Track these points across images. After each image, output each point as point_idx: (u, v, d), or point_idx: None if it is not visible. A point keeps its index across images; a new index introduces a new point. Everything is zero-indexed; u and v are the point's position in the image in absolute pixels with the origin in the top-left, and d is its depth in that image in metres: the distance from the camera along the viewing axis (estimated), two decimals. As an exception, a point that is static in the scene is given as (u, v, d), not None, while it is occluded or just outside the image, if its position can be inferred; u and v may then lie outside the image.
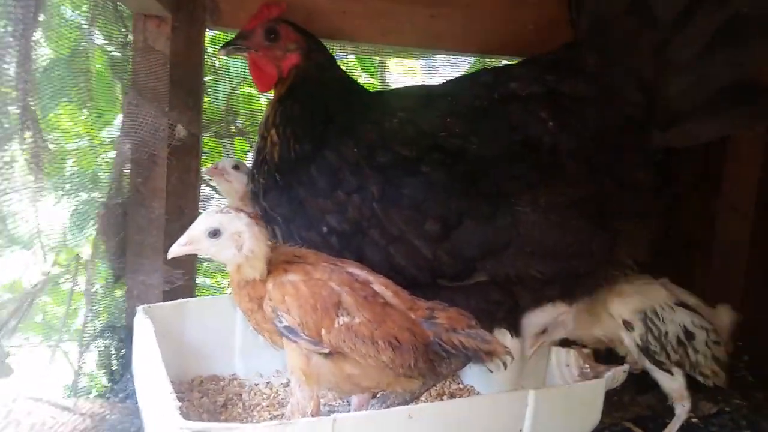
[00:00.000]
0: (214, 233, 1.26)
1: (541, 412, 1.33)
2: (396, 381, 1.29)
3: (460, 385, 1.74)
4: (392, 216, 1.49)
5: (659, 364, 1.56)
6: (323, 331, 1.23)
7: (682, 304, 1.60)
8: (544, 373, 1.61)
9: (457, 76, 1.90)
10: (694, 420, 1.68)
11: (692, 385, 1.59)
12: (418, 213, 1.49)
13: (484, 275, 1.52)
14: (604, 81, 1.59)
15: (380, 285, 1.32)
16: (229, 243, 1.26)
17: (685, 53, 1.54)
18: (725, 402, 1.78)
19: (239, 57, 1.88)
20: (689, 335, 1.56)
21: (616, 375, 1.44)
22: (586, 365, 1.59)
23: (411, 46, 2.14)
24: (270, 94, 1.75)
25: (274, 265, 1.30)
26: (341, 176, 1.52)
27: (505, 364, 1.27)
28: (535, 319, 1.51)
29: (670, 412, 1.62)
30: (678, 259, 2.11)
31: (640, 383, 1.68)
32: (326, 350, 1.24)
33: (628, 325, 1.56)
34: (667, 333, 1.53)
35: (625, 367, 1.46)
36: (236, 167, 1.90)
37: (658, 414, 1.70)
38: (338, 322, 1.24)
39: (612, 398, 1.47)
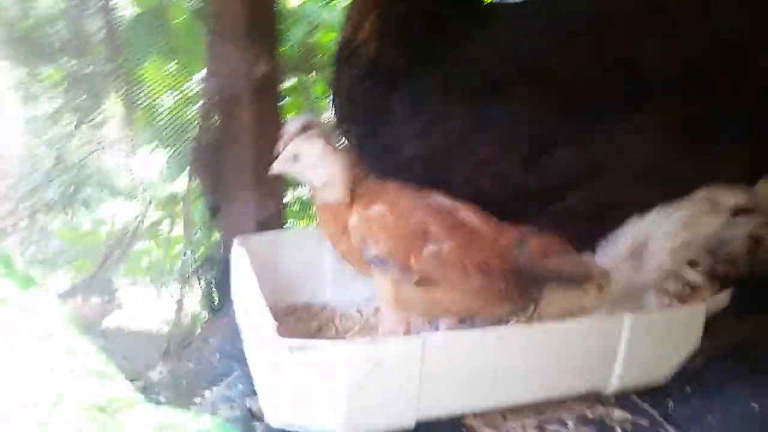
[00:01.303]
0: (295, 158, 1.32)
1: (638, 336, 1.30)
2: (486, 306, 1.29)
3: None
4: (481, 140, 1.45)
5: (725, 284, 1.40)
6: (412, 259, 1.24)
7: (738, 210, 1.39)
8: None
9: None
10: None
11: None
12: (508, 136, 1.44)
13: (577, 201, 1.47)
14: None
15: (468, 212, 1.31)
16: (307, 167, 1.32)
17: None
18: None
19: None
20: (758, 240, 1.38)
21: (716, 299, 1.39)
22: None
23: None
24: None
25: (360, 195, 1.32)
26: (428, 98, 1.47)
27: (602, 288, 1.25)
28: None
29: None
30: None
31: (742, 308, 1.61)
32: (415, 278, 1.25)
33: (693, 263, 1.40)
34: (737, 252, 1.37)
35: (727, 291, 1.40)
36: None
37: (759, 338, 1.62)
38: (426, 250, 1.24)
39: (711, 323, 1.41)
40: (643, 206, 1.47)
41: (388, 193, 1.34)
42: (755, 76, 1.48)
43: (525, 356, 1.27)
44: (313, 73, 2.55)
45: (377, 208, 1.29)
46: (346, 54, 1.55)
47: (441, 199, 1.34)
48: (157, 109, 1.92)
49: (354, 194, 1.33)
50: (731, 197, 1.41)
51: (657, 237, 1.37)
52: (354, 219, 1.30)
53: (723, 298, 1.40)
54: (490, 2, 1.74)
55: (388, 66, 1.50)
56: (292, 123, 1.56)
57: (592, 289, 1.29)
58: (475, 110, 1.45)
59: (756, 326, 1.65)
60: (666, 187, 1.47)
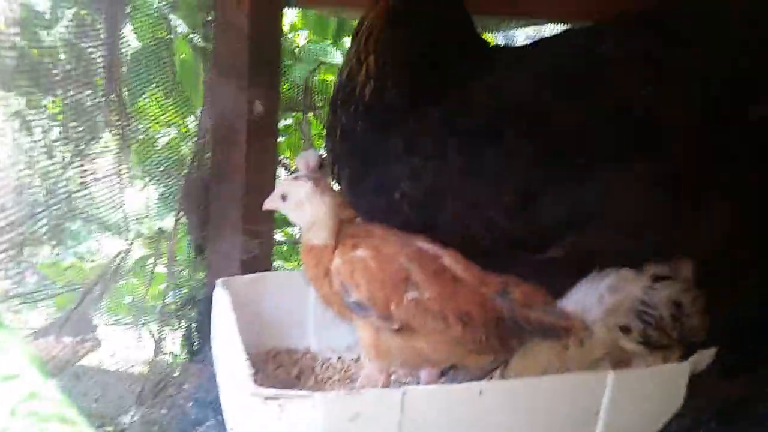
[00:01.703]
0: (283, 197, 1.35)
1: (621, 394, 1.28)
2: (467, 356, 1.28)
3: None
4: (471, 185, 1.44)
5: (663, 348, 1.41)
6: (392, 307, 1.23)
7: (657, 278, 1.44)
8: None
9: (544, 38, 1.81)
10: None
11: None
12: (498, 182, 1.43)
13: (562, 250, 1.46)
14: (702, 45, 1.48)
15: (450, 258, 1.31)
16: (294, 208, 1.35)
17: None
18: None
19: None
20: (679, 305, 1.41)
21: (701, 358, 1.37)
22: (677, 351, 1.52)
23: (486, 13, 2.06)
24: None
25: (343, 240, 1.31)
26: (421, 140, 1.46)
27: (582, 342, 1.23)
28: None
29: (760, 398, 1.52)
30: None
31: (728, 367, 1.59)
32: (395, 326, 1.24)
33: (625, 330, 1.40)
34: (662, 316, 1.39)
35: (712, 350, 1.39)
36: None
37: (745, 400, 1.60)
38: (407, 298, 1.23)
39: (696, 383, 1.39)
40: (630, 258, 1.47)
41: (372, 237, 1.33)
42: (746, 128, 1.50)
43: (506, 412, 1.24)
44: (311, 113, 2.57)
45: (360, 253, 1.28)
46: (343, 95, 1.56)
47: (425, 245, 1.33)
48: (153, 145, 1.92)
49: (338, 238, 1.32)
50: (650, 266, 1.45)
51: (591, 304, 1.38)
52: (336, 263, 1.30)
53: (708, 357, 1.38)
54: (492, 46, 1.76)
55: (382, 108, 1.51)
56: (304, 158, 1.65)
57: (573, 344, 1.28)
58: (466, 154, 1.45)
59: (743, 388, 1.63)
60: (654, 239, 1.47)
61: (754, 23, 1.45)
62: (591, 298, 1.37)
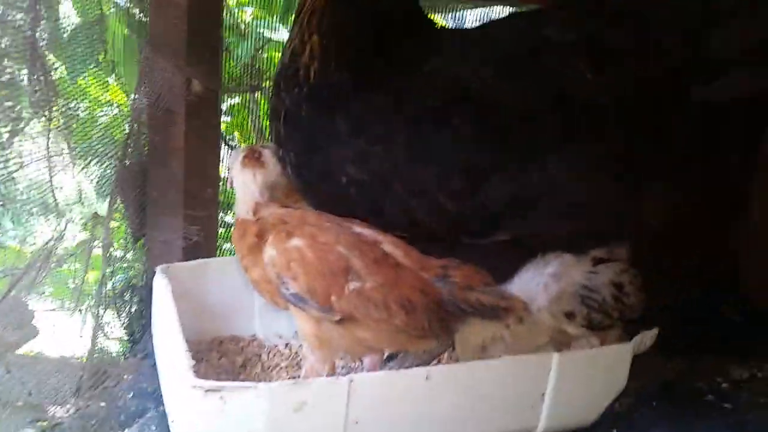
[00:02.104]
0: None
1: (565, 376, 1.30)
2: (410, 342, 1.26)
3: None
4: (417, 169, 1.42)
5: (604, 329, 1.44)
6: (333, 298, 1.20)
7: (597, 260, 1.47)
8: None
9: (489, 21, 1.80)
10: (724, 385, 1.63)
11: (722, 349, 1.53)
12: (444, 167, 1.41)
13: (508, 233, 1.46)
14: (642, 29, 1.49)
15: (390, 244, 1.28)
16: (233, 179, 1.39)
17: (728, -1, 1.43)
18: (758, 367, 1.72)
19: None
20: (619, 286, 1.44)
21: (644, 339, 1.39)
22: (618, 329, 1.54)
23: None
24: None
25: (277, 227, 1.27)
26: (366, 125, 1.43)
27: (522, 320, 1.23)
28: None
29: (699, 376, 1.57)
30: (715, 221, 2.02)
31: (669, 348, 1.63)
32: (337, 317, 1.21)
33: (569, 315, 1.42)
34: (604, 299, 1.42)
35: (654, 331, 1.41)
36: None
37: (686, 378, 1.64)
38: (348, 288, 1.20)
39: (639, 362, 1.42)
40: (572, 241, 1.48)
41: (307, 224, 1.29)
42: (689, 111, 1.52)
43: (453, 396, 1.25)
44: (258, 92, 2.49)
45: (295, 243, 1.24)
46: (286, 77, 1.51)
47: (363, 231, 1.30)
48: (93, 125, 1.83)
49: (267, 221, 1.29)
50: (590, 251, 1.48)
51: (536, 292, 1.39)
52: (270, 253, 1.25)
53: (650, 338, 1.40)
54: (437, 28, 1.73)
55: (327, 90, 1.46)
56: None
57: (513, 322, 1.28)
58: (413, 137, 1.43)
59: (683, 367, 1.68)
60: (595, 223, 1.49)
61: (696, 3, 1.47)
62: (536, 286, 1.38)
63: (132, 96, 1.78)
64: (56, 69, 1.66)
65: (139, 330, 1.75)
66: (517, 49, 1.50)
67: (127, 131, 1.76)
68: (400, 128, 1.43)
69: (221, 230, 2.20)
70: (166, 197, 1.77)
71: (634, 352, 1.37)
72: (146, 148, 1.78)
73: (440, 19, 2.47)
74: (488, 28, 1.69)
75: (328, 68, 1.46)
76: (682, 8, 1.47)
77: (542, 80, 1.46)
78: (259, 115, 2.43)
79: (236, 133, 2.55)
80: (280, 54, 2.28)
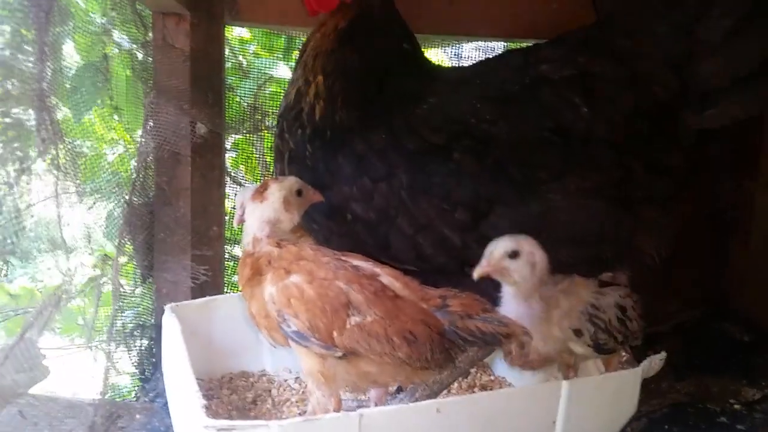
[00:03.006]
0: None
1: (576, 403, 1.29)
2: (414, 374, 1.25)
3: (492, 377, 1.70)
4: (421, 205, 1.45)
5: (609, 352, 1.46)
6: (335, 334, 1.19)
7: (603, 283, 1.50)
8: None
9: (486, 58, 1.84)
10: (736, 407, 1.63)
11: (735, 371, 1.53)
12: (448, 201, 1.44)
13: None
14: (634, 63, 1.53)
15: (388, 277, 1.28)
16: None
17: (715, 32, 1.47)
18: (768, 387, 1.72)
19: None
20: (623, 309, 1.46)
21: (652, 363, 1.39)
22: (623, 353, 1.55)
23: (430, 33, 2.10)
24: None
25: (275, 264, 1.28)
26: (369, 164, 1.45)
27: (523, 345, 1.23)
28: None
29: (711, 398, 1.56)
30: (713, 242, 2.04)
31: (678, 370, 1.63)
32: (340, 353, 1.21)
33: (578, 333, 1.42)
34: (610, 320, 1.43)
35: (662, 355, 1.41)
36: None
37: (697, 400, 1.64)
38: (350, 323, 1.20)
39: (649, 386, 1.42)
40: (573, 267, 1.49)
41: (303, 260, 1.28)
42: (679, 139, 1.54)
43: (465, 428, 1.24)
44: (263, 129, 2.52)
45: (294, 279, 1.23)
46: (289, 119, 1.55)
47: (361, 264, 1.29)
48: (101, 164, 1.86)
49: (261, 255, 1.30)
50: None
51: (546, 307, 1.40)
52: (269, 291, 1.25)
53: (658, 361, 1.40)
54: (435, 66, 1.77)
55: (331, 129, 1.49)
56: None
57: (515, 347, 1.28)
58: (416, 173, 1.46)
59: (693, 389, 1.67)
60: (597, 248, 1.50)
61: (684, 37, 1.50)
62: (546, 301, 1.38)
63: (138, 138, 1.81)
64: (60, 110, 1.69)
65: (150, 369, 1.76)
66: (513, 86, 1.54)
67: (133, 172, 1.79)
68: (402, 165, 1.46)
69: (231, 263, 2.23)
70: (173, 237, 1.80)
71: (643, 376, 1.37)
72: (152, 189, 1.81)
73: (439, 52, 2.51)
74: (485, 64, 1.72)
75: (334, 107, 1.49)
76: (670, 41, 1.50)
77: (539, 114, 1.50)
78: (264, 150, 2.45)
79: (242, 167, 2.58)
80: (282, 90, 2.34)
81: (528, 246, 1.34)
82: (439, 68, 1.84)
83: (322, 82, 1.49)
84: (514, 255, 1.32)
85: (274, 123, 2.30)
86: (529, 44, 1.96)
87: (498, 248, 1.33)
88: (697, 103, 1.51)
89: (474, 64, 1.74)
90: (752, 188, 2.06)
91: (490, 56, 2.13)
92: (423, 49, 1.70)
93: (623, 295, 1.48)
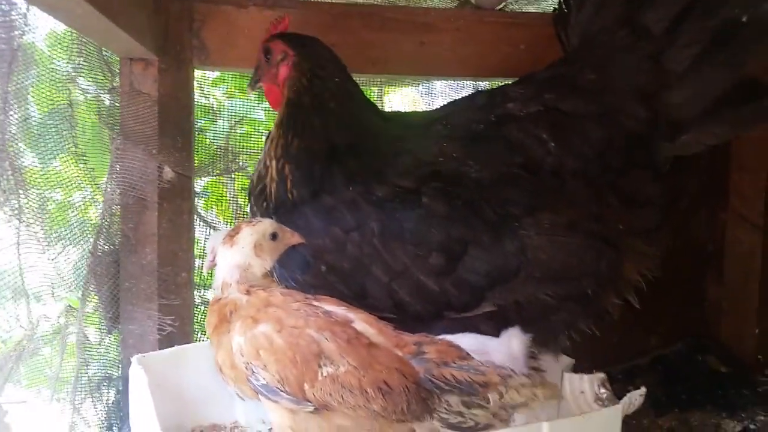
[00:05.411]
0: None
1: (557, 444, 1.26)
2: (390, 427, 1.18)
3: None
4: (395, 251, 1.43)
5: None
6: (306, 386, 1.14)
7: None
8: (558, 402, 1.54)
9: (452, 99, 1.87)
10: (718, 439, 1.61)
11: (715, 404, 1.51)
12: (421, 246, 1.42)
13: (492, 304, 1.45)
14: (603, 97, 1.54)
15: (362, 322, 1.23)
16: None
17: (681, 62, 1.50)
18: (750, 419, 1.70)
19: (260, 89, 1.74)
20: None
21: (632, 399, 1.37)
22: (602, 390, 1.52)
23: (401, 74, 2.12)
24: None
25: (243, 312, 1.23)
26: (339, 215, 1.45)
27: (501, 395, 1.18)
28: None
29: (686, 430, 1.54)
30: (689, 273, 2.04)
31: (659, 406, 1.61)
32: (311, 407, 1.15)
33: None
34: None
35: (642, 390, 1.39)
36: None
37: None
38: (321, 374, 1.14)
39: (630, 423, 1.39)
40: (552, 306, 1.47)
41: (272, 306, 1.23)
42: (659, 167, 1.55)
43: (445, 475, 1.20)
44: (234, 170, 2.49)
45: (262, 329, 1.18)
46: (256, 194, 1.59)
47: (333, 309, 1.24)
48: (66, 212, 1.82)
49: (227, 302, 1.27)
50: None
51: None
52: (237, 341, 1.19)
53: (638, 397, 1.38)
54: (392, 113, 1.80)
55: (290, 205, 1.52)
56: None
57: (493, 397, 1.24)
58: (387, 221, 1.44)
59: (674, 424, 1.65)
60: (579, 283, 1.48)
61: (651, 67, 1.52)
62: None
63: (103, 185, 1.77)
64: (25, 157, 1.66)
65: (118, 423, 1.69)
66: (479, 124, 1.56)
67: (96, 222, 1.75)
68: (373, 213, 1.44)
69: (203, 308, 2.17)
70: (139, 285, 1.75)
71: (624, 412, 1.35)
72: (119, 237, 1.77)
73: (411, 90, 2.54)
74: (451, 105, 1.74)
75: (285, 188, 1.53)
76: (637, 73, 1.52)
77: (507, 151, 1.50)
78: (235, 192, 2.42)
79: (214, 208, 2.54)
80: (254, 130, 2.32)
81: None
82: (398, 114, 1.88)
83: (274, 166, 1.55)
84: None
85: (247, 163, 2.30)
86: (499, 83, 2.00)
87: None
88: (669, 132, 1.52)
89: (440, 107, 1.76)
90: (724, 219, 2.08)
91: (457, 96, 2.16)
92: (394, 87, 1.72)
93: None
